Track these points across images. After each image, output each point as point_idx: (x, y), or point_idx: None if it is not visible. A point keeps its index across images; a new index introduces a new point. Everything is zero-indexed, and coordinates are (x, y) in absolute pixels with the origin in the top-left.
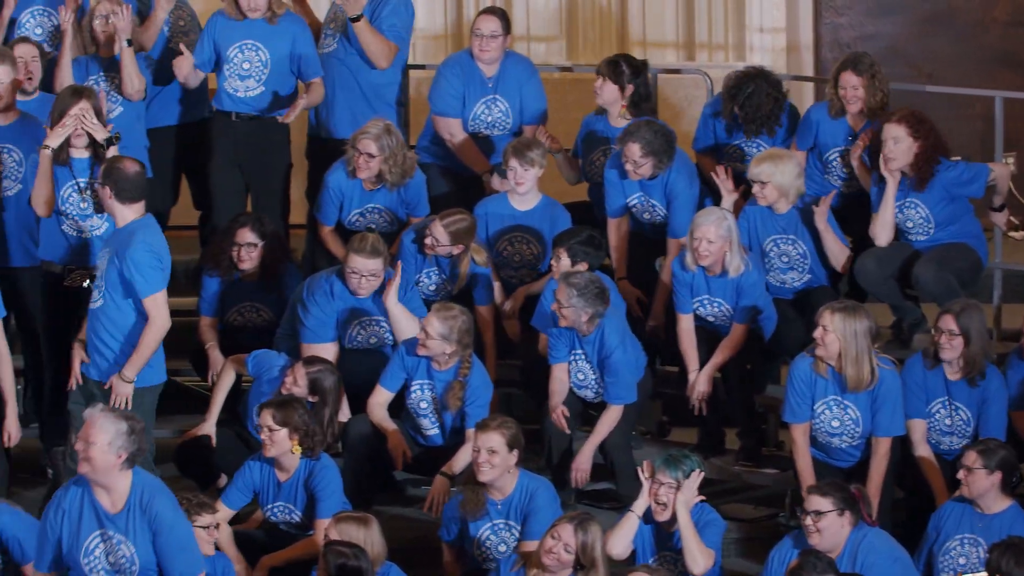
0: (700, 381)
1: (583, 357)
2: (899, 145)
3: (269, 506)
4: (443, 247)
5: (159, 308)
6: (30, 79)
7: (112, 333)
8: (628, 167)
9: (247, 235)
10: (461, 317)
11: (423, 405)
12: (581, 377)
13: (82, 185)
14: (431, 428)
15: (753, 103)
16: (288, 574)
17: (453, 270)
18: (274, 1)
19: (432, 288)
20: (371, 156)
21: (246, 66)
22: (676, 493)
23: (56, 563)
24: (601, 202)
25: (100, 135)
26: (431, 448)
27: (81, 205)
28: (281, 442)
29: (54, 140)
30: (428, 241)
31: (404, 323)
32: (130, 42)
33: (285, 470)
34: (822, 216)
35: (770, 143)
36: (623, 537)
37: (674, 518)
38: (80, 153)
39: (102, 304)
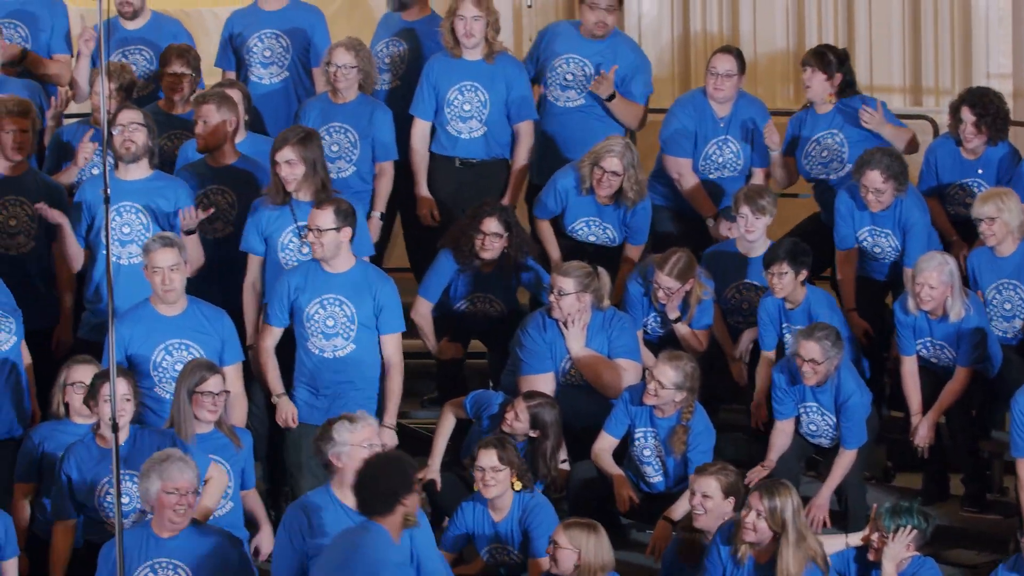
0: (923, 426)
1: (815, 409)
2: None
3: (485, 548)
4: (676, 293)
5: (400, 346)
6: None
7: (366, 378)
8: (870, 198)
9: (492, 224)
10: (691, 362)
11: (647, 452)
12: (813, 428)
13: (302, 229)
14: (655, 475)
15: (985, 100)
16: None
17: (684, 305)
18: (490, 33)
19: (660, 330)
20: (616, 175)
21: (467, 107)
22: (886, 543)
23: None
24: (825, 200)
25: None
26: (654, 494)
27: (302, 250)
28: (504, 481)
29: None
30: (660, 295)
31: (591, 366)
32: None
33: (499, 510)
34: None
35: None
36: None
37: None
38: (303, 196)
39: (355, 349)
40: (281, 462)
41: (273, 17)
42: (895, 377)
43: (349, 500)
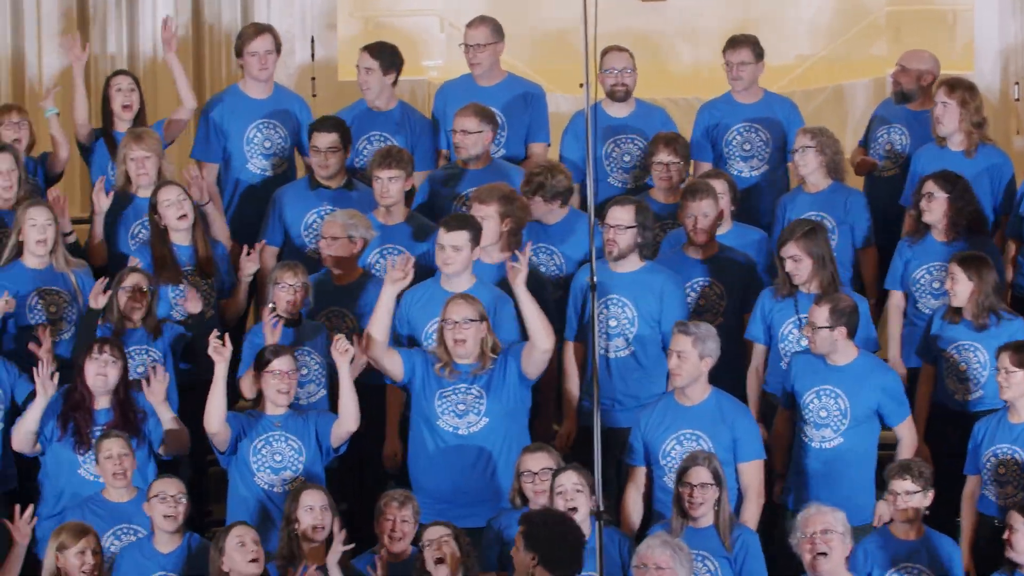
0: None
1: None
2: None
3: None
4: None
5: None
6: None
7: (861, 474)
8: None
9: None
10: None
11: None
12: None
13: (803, 322)
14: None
15: None
16: None
17: None
18: (965, 124)
19: None
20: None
21: None
22: None
23: None
24: None
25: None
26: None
27: (800, 343)
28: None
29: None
30: None
31: None
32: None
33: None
34: None
35: None
36: None
37: None
38: (810, 288)
39: (842, 443)
40: None
41: (750, 110)
42: None
43: None
